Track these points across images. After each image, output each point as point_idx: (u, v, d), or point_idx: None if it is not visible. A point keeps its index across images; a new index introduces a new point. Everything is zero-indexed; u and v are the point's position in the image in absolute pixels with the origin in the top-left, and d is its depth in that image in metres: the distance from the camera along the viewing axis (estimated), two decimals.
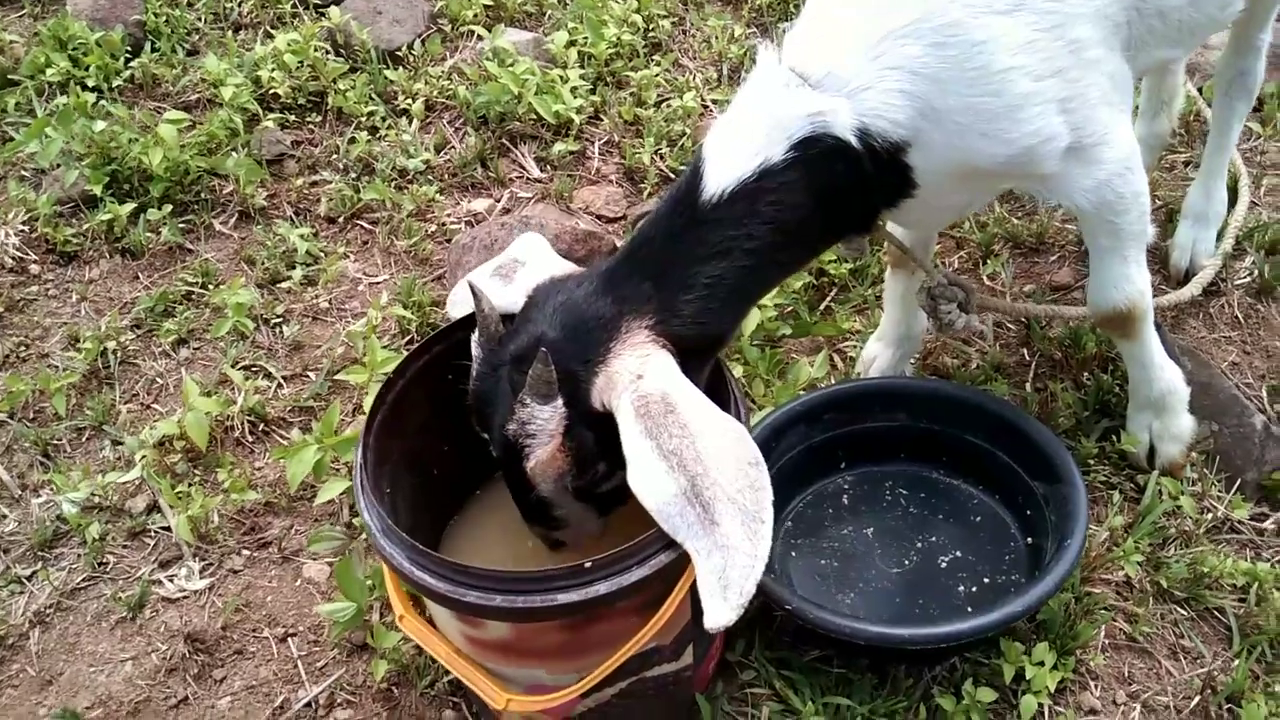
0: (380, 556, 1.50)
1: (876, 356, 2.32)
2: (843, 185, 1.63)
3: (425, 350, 1.75)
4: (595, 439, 1.56)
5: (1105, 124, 1.71)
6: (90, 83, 3.21)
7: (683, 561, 1.46)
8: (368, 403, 2.03)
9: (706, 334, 1.62)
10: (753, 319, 2.40)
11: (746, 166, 1.59)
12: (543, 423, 1.53)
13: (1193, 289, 2.34)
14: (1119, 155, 1.75)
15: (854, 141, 1.59)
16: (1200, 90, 2.91)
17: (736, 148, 1.61)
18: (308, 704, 1.96)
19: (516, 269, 1.80)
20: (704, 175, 1.61)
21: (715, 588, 1.35)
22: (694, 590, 1.53)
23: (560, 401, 1.52)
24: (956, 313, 1.97)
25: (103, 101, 3.14)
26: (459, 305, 1.87)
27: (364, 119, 3.17)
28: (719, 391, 1.68)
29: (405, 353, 1.79)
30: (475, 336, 1.65)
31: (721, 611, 1.34)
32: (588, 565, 1.38)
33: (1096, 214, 1.80)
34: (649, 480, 1.41)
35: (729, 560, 1.36)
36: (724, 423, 1.47)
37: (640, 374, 1.50)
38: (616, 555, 1.39)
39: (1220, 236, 2.50)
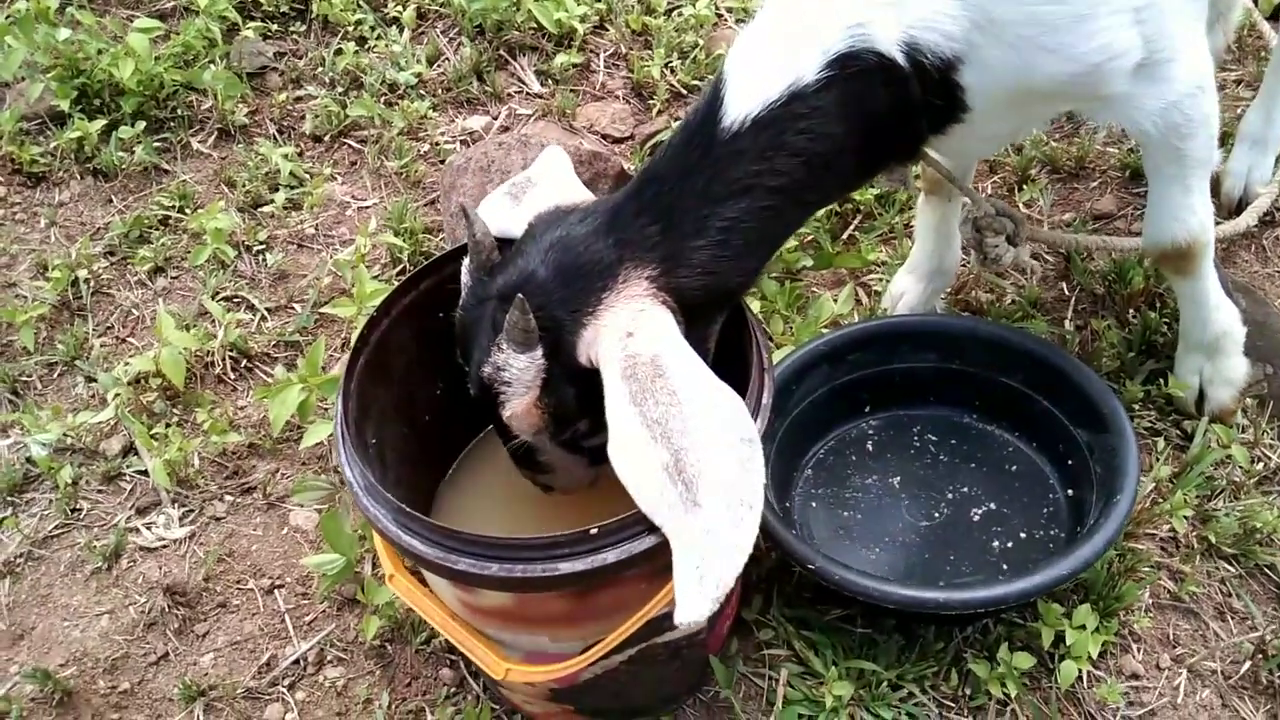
0: (365, 518, 1.36)
1: (905, 291, 2.15)
2: (884, 110, 1.43)
3: (412, 286, 1.58)
4: (577, 395, 1.41)
5: (1180, 38, 1.52)
6: None
7: None
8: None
9: (719, 286, 1.44)
10: None
11: (774, 88, 1.39)
12: (518, 372, 1.39)
13: (1248, 219, 2.16)
14: (1192, 74, 1.56)
15: (900, 59, 1.39)
16: (1256, 2, 2.68)
17: (762, 66, 1.41)
18: (296, 661, 1.84)
19: (525, 190, 1.62)
20: (724, 99, 1.41)
21: (691, 577, 1.20)
22: None
23: (539, 353, 1.38)
24: (1004, 246, 1.80)
25: (69, 8, 2.91)
26: (489, 213, 1.68)
27: (351, 28, 2.94)
28: (740, 333, 1.52)
29: (396, 284, 1.62)
30: (466, 262, 1.49)
31: (695, 604, 1.18)
32: (593, 532, 1.23)
33: (1162, 139, 1.62)
34: (629, 451, 1.26)
35: (709, 546, 1.20)
36: (719, 393, 1.30)
37: (631, 331, 1.34)
38: (626, 520, 1.24)
39: (1277, 162, 2.31)
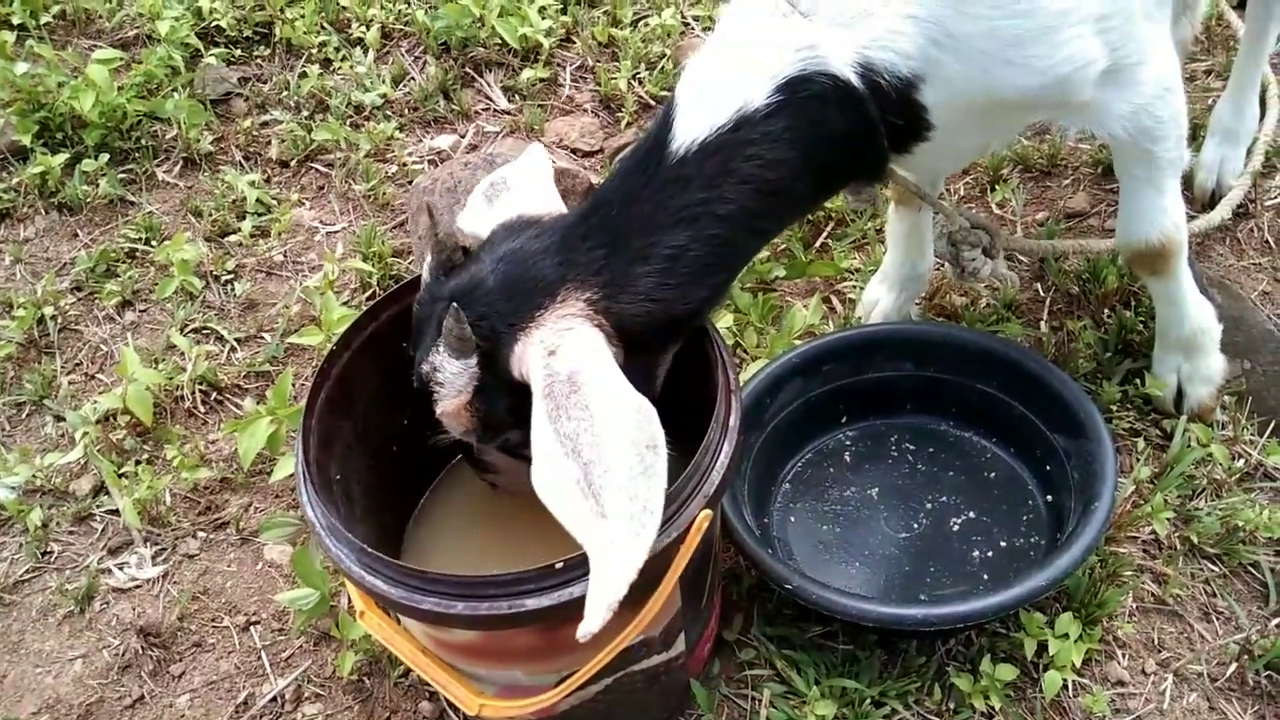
0: (328, 558, 1.33)
1: (879, 300, 2.13)
2: (841, 133, 1.39)
3: (372, 317, 1.56)
4: (509, 407, 1.40)
5: (1145, 40, 1.50)
6: (15, 19, 2.95)
7: (669, 553, 1.29)
8: None
9: (664, 315, 1.40)
10: None
11: (722, 114, 1.36)
12: (451, 377, 1.40)
13: (1221, 212, 2.14)
14: (1158, 75, 1.54)
15: (855, 80, 1.36)
16: None
17: (712, 91, 1.38)
18: (273, 699, 1.82)
19: (499, 194, 1.59)
20: (674, 124, 1.38)
21: (596, 591, 1.18)
22: (683, 578, 1.38)
23: (474, 361, 1.38)
24: (981, 259, 1.77)
25: (28, 40, 2.88)
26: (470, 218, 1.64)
27: (315, 51, 2.92)
28: (705, 354, 1.49)
29: (358, 314, 1.59)
30: (428, 259, 1.50)
31: (594, 620, 1.16)
32: (559, 566, 1.21)
33: (1132, 141, 1.60)
34: (546, 468, 1.24)
35: (609, 560, 1.18)
36: (629, 402, 1.27)
37: (553, 349, 1.33)
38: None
39: (1249, 153, 2.30)
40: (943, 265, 2.26)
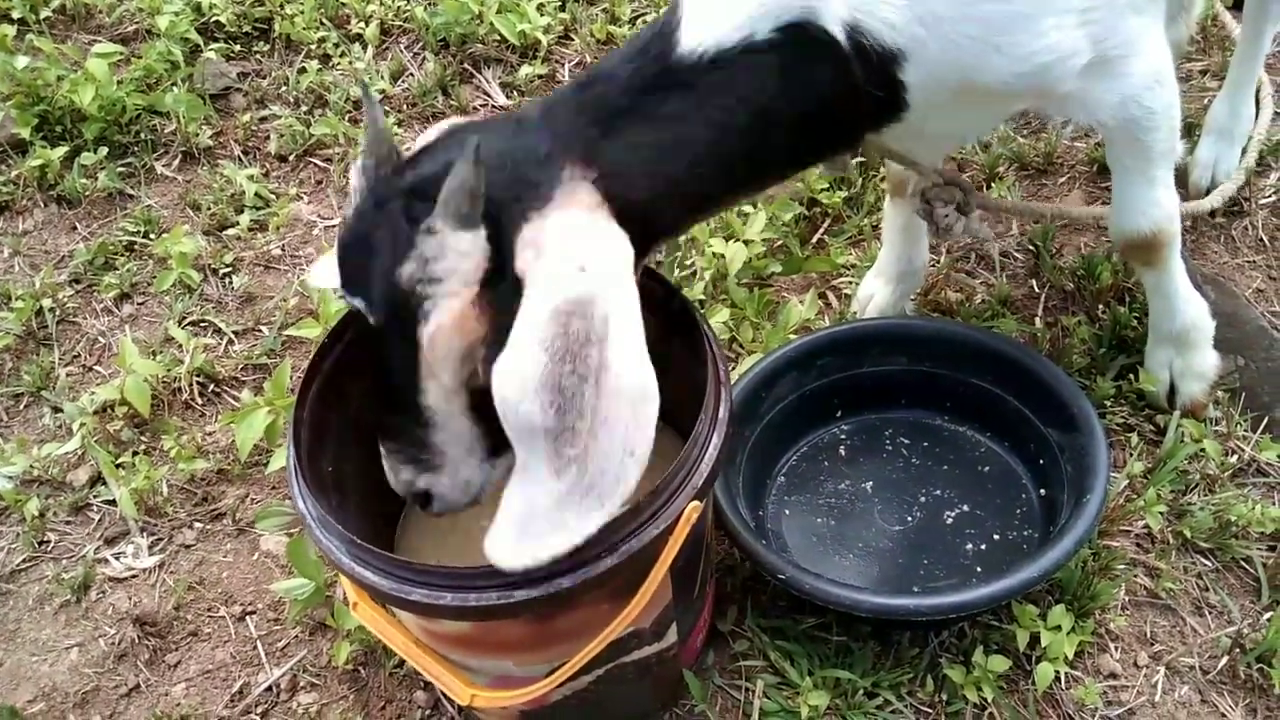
0: (319, 549, 1.34)
1: (874, 294, 2.14)
2: (826, 86, 1.39)
3: None
4: (516, 308, 1.20)
5: (1133, 33, 1.50)
6: (15, 14, 2.95)
7: (658, 544, 1.30)
8: None
9: (652, 215, 1.33)
10: (739, 256, 2.21)
11: (730, 36, 1.34)
12: (456, 259, 1.17)
13: (1213, 200, 2.13)
14: (1148, 67, 1.54)
15: (842, 39, 1.36)
16: None
17: (721, 12, 1.36)
18: (269, 688, 1.82)
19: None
20: (680, 29, 1.35)
21: (515, 521, 1.14)
22: (674, 569, 1.38)
23: (484, 233, 1.18)
24: (954, 215, 1.77)
25: (29, 35, 2.89)
26: (321, 274, 1.46)
27: (314, 46, 2.93)
28: (694, 344, 1.50)
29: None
30: (358, 161, 1.28)
31: (506, 552, 1.14)
32: None
33: (1122, 131, 1.60)
34: (517, 390, 1.14)
35: (549, 516, 1.14)
36: (639, 393, 1.17)
37: (585, 264, 1.17)
38: (581, 544, 1.22)
39: (1243, 152, 2.30)
40: (939, 261, 2.27)
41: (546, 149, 1.24)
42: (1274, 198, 2.31)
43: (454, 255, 1.18)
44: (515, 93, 2.82)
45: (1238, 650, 1.69)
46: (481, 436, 1.32)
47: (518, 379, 1.14)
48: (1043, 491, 1.82)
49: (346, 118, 2.76)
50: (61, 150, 2.65)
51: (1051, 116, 1.62)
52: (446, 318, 1.19)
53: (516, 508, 1.15)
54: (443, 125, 1.37)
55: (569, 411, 1.13)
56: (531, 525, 1.15)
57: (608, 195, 1.25)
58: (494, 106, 2.80)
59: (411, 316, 1.20)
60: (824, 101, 1.41)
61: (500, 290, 1.20)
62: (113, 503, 2.07)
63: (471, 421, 1.31)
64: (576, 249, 1.19)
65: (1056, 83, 1.47)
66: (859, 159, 1.74)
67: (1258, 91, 2.36)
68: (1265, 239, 2.25)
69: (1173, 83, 1.61)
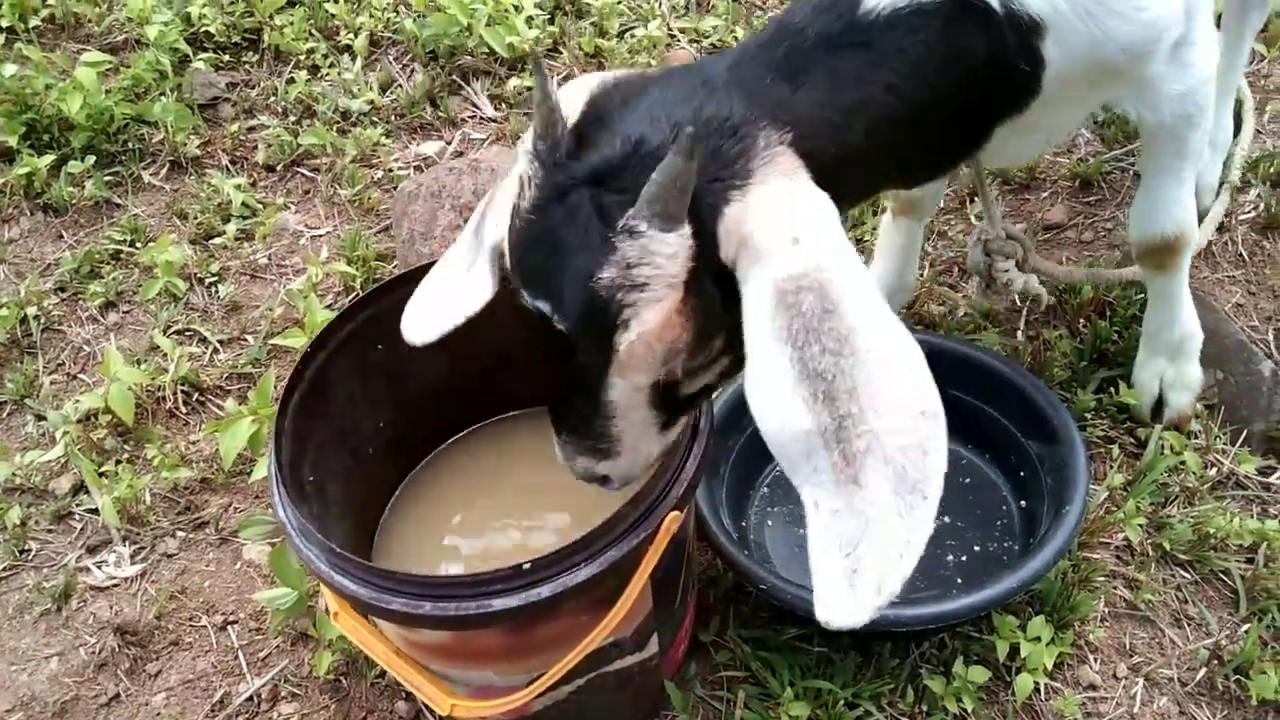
0: (299, 558, 1.34)
1: None
2: (982, 54, 1.33)
3: (349, 317, 1.56)
4: (722, 300, 1.09)
5: (1203, 24, 1.56)
6: (4, 22, 2.96)
7: (638, 553, 1.30)
8: None
9: (846, 177, 1.20)
10: None
11: None
12: (663, 262, 1.04)
13: (1206, 231, 2.17)
14: (1206, 62, 1.59)
15: (996, 4, 1.33)
16: None
17: None
18: (249, 698, 1.82)
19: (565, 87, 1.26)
20: None
21: (838, 568, 0.98)
22: (655, 579, 1.39)
23: (689, 230, 1.05)
24: (1015, 271, 1.77)
25: (17, 43, 2.89)
26: (418, 325, 1.39)
27: (303, 57, 2.94)
28: None
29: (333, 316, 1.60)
30: (526, 144, 1.14)
31: (842, 606, 0.98)
32: (526, 567, 1.21)
33: (1173, 127, 1.63)
34: (778, 404, 1.01)
35: (868, 536, 0.98)
36: (897, 341, 1.03)
37: (796, 235, 1.03)
38: (560, 554, 1.22)
39: (1225, 166, 2.33)
40: (922, 275, 2.29)
41: (741, 114, 1.12)
42: (1253, 213, 2.33)
43: (660, 258, 1.06)
44: (503, 104, 2.83)
45: (1216, 662, 1.70)
46: (658, 418, 1.24)
47: (770, 388, 1.04)
48: (1023, 503, 1.83)
49: (334, 128, 2.77)
50: (49, 159, 2.65)
51: (1127, 109, 1.62)
52: (651, 325, 1.08)
53: (831, 556, 1.01)
54: (591, 81, 1.23)
55: (837, 396, 1.01)
56: (859, 563, 1.00)
57: (805, 155, 1.13)
58: (482, 118, 2.82)
59: (609, 323, 1.09)
60: (978, 72, 1.34)
61: (706, 288, 1.10)
62: (95, 511, 2.07)
63: (651, 409, 1.22)
64: (784, 223, 1.06)
65: (1152, 55, 1.49)
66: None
67: (1239, 107, 2.39)
68: (1245, 254, 2.28)
69: (1214, 84, 1.65)
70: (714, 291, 1.10)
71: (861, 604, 0.99)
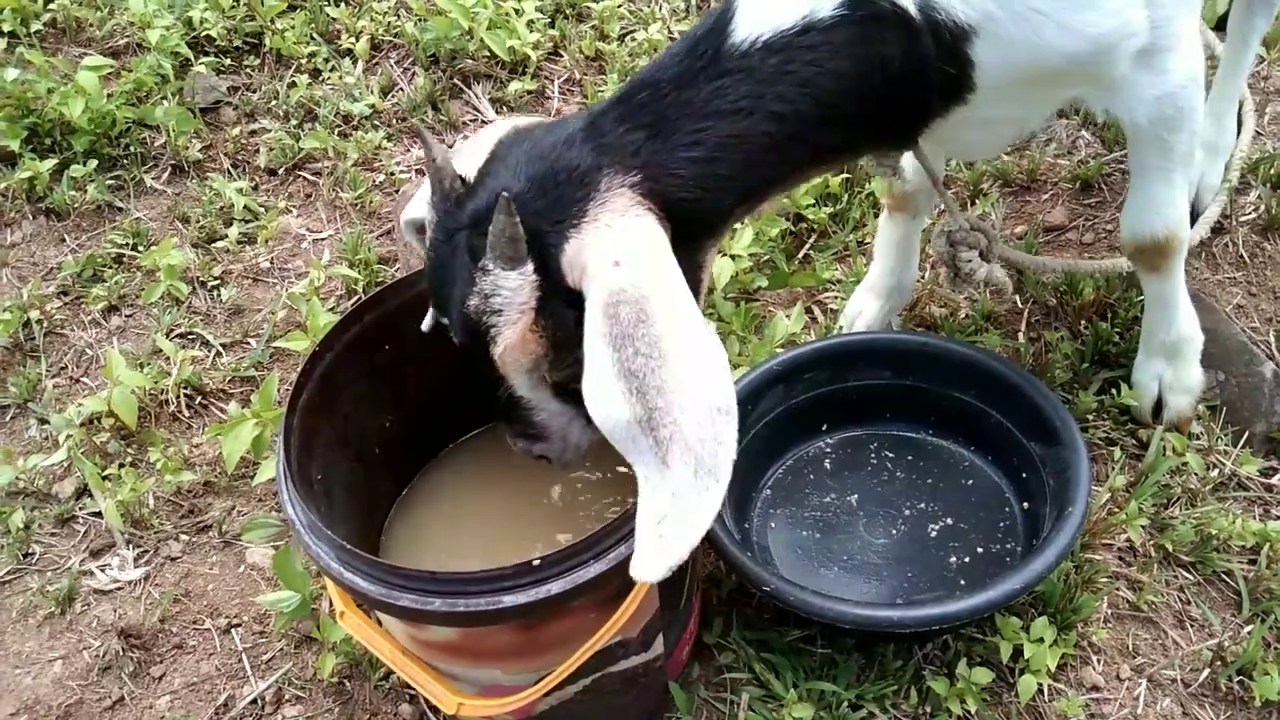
0: (308, 556, 1.34)
1: (864, 309, 2.16)
2: (894, 62, 1.38)
3: (355, 319, 1.57)
4: (575, 320, 1.29)
5: (1180, 28, 1.54)
6: (6, 27, 2.96)
7: None
8: None
9: (710, 207, 1.35)
10: (726, 270, 2.22)
11: (787, 17, 1.34)
12: (509, 294, 1.28)
13: (1200, 230, 2.17)
14: (1187, 66, 1.58)
15: (914, 11, 1.36)
16: (1202, 13, 2.72)
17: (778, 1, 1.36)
18: (253, 701, 1.82)
19: (481, 132, 1.52)
20: (735, 17, 1.36)
21: (651, 533, 1.16)
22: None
23: (530, 267, 1.27)
24: (977, 261, 1.78)
25: (19, 48, 2.89)
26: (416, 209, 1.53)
27: (304, 61, 2.94)
28: None
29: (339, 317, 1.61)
30: (428, 198, 1.38)
31: (651, 564, 1.16)
32: (536, 563, 1.22)
33: (1151, 130, 1.63)
34: (602, 397, 1.21)
35: (673, 509, 1.17)
36: (702, 350, 1.22)
37: (618, 259, 1.24)
38: (569, 551, 1.23)
39: (1226, 168, 2.34)
40: (924, 276, 2.29)
41: (587, 164, 1.31)
42: (1254, 215, 2.34)
43: (506, 291, 1.29)
44: (504, 108, 2.84)
45: (1219, 663, 1.71)
46: (577, 411, 1.40)
47: (597, 383, 1.21)
48: (1026, 505, 1.83)
49: (336, 131, 2.77)
50: (51, 163, 2.65)
51: (1093, 108, 1.62)
52: (510, 341, 1.31)
53: (647, 522, 1.18)
54: (504, 127, 1.43)
55: (648, 391, 1.18)
56: (664, 531, 1.17)
57: (650, 194, 1.31)
58: (483, 121, 2.82)
59: (483, 339, 1.32)
60: (893, 80, 1.39)
61: (554, 310, 1.31)
62: (98, 515, 2.07)
63: (562, 402, 1.43)
64: (609, 250, 1.26)
65: (1114, 63, 1.49)
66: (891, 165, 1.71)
67: (1240, 108, 2.40)
68: (1245, 256, 2.28)
69: (1202, 86, 1.64)
70: (567, 312, 1.30)
71: (661, 563, 1.17)
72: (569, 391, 1.37)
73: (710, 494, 1.18)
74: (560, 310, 1.31)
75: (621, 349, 1.20)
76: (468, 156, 1.44)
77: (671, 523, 1.16)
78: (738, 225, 1.55)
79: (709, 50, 1.36)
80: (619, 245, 1.27)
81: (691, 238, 1.37)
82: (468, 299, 1.31)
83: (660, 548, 1.16)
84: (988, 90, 1.45)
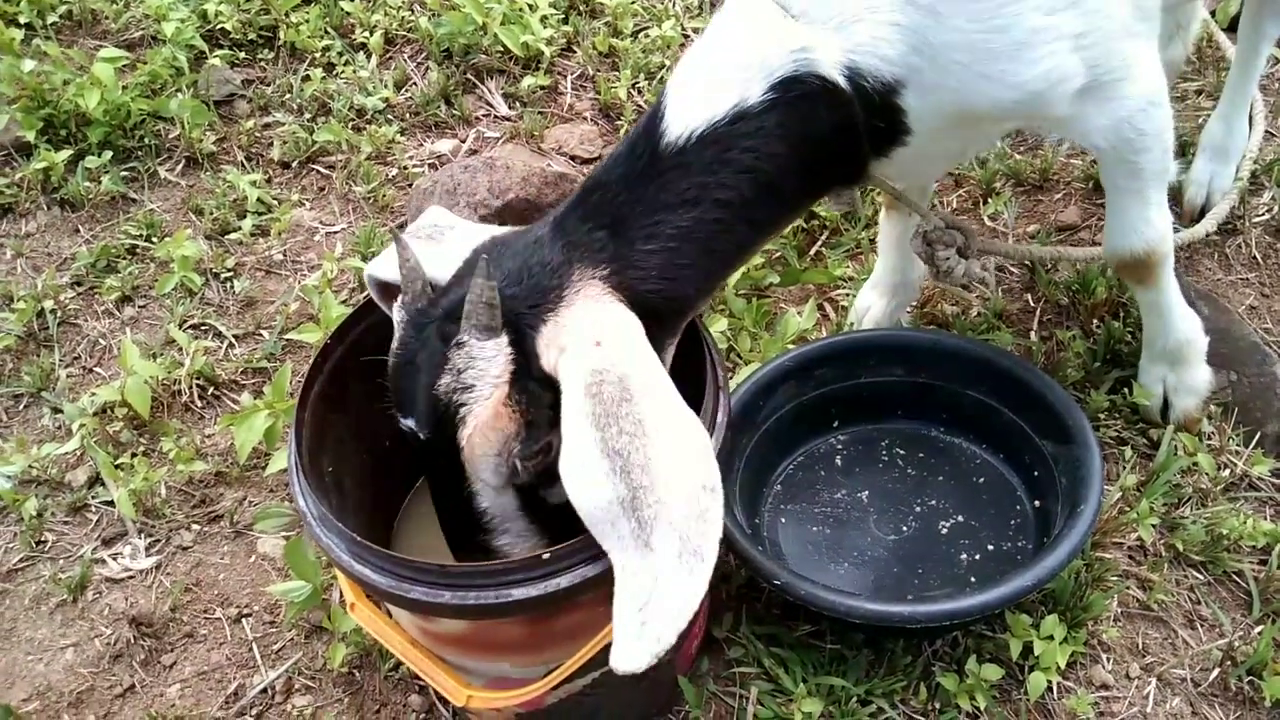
0: (319, 547, 1.34)
1: (871, 306, 2.16)
2: (828, 132, 1.42)
3: (367, 312, 1.57)
4: (549, 402, 1.30)
5: (1126, 57, 1.52)
6: (23, 19, 2.97)
7: None
8: None
9: (673, 295, 1.39)
10: None
11: (718, 108, 1.38)
12: (484, 366, 1.28)
13: (1207, 225, 2.17)
14: (1141, 91, 1.56)
15: (842, 82, 1.39)
16: (1213, 14, 2.71)
17: (707, 87, 1.40)
18: (263, 690, 1.83)
19: (443, 232, 1.54)
20: (666, 116, 1.41)
21: (632, 619, 1.15)
22: None
23: (505, 339, 1.28)
24: (955, 258, 1.79)
25: (35, 39, 2.91)
26: (382, 268, 1.54)
27: (319, 55, 2.95)
28: (695, 353, 1.51)
29: (351, 310, 1.61)
30: (398, 302, 1.39)
31: (633, 652, 1.13)
32: (546, 557, 1.22)
33: (1115, 153, 1.62)
34: (584, 477, 1.20)
35: (656, 593, 1.15)
36: (686, 429, 1.23)
37: (599, 340, 1.27)
38: (579, 545, 1.23)
39: (1237, 170, 2.33)
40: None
41: (558, 259, 1.34)
42: (1267, 216, 2.33)
43: (481, 361, 1.28)
44: (518, 103, 2.84)
45: (1229, 663, 1.70)
46: (543, 532, 1.39)
47: (578, 462, 1.20)
48: (1037, 503, 1.83)
49: (349, 125, 2.78)
50: (66, 153, 2.66)
51: (1047, 134, 1.63)
52: (481, 418, 1.29)
53: (627, 609, 1.16)
54: (485, 234, 1.49)
55: (632, 470, 1.18)
56: (647, 617, 1.15)
57: (619, 286, 1.35)
58: (497, 116, 2.83)
59: (452, 424, 1.29)
60: (827, 143, 1.43)
61: (528, 387, 1.30)
62: (111, 503, 2.08)
63: (529, 520, 1.38)
64: (589, 331, 1.29)
65: (1050, 107, 1.49)
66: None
67: (1251, 109, 2.39)
68: (1258, 256, 2.28)
69: (1166, 104, 1.63)
70: (542, 393, 1.30)
71: (644, 651, 1.15)
72: (543, 506, 1.35)
73: (696, 575, 1.16)
74: (533, 389, 1.30)
75: (605, 428, 1.19)
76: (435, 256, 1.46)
77: (655, 608, 1.14)
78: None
79: (645, 151, 1.40)
80: (598, 326, 1.29)
81: (660, 325, 1.39)
82: (438, 380, 1.29)
83: (643, 634, 1.14)
84: (923, 133, 1.47)
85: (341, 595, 1.86)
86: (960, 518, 1.85)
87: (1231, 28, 2.70)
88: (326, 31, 2.99)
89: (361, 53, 2.96)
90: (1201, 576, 1.82)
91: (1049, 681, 1.66)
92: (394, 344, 1.38)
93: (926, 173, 1.82)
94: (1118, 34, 1.49)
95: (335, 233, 2.58)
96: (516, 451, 1.32)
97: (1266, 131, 2.44)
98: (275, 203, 2.64)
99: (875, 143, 1.47)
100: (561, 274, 1.33)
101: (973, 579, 1.76)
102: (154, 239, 2.56)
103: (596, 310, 1.31)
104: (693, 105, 1.39)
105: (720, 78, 1.40)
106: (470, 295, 1.26)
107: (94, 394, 2.19)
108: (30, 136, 2.67)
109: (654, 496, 1.17)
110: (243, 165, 2.74)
